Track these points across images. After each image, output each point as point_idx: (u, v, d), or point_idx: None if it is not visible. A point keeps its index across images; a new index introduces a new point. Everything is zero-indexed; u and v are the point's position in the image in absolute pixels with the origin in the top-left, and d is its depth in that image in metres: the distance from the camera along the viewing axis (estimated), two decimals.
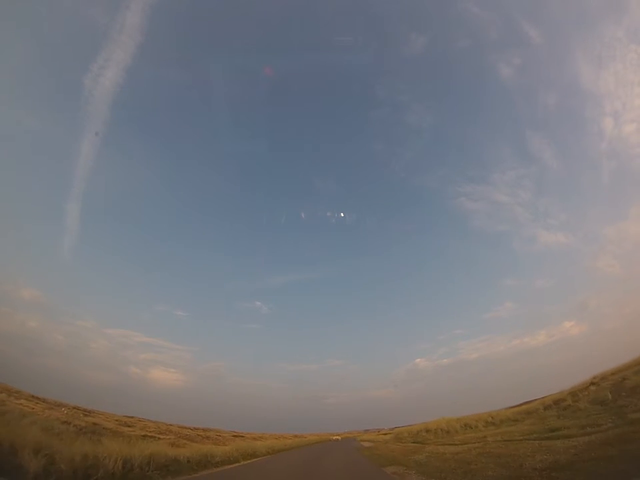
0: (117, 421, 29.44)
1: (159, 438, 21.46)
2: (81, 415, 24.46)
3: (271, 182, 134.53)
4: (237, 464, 17.62)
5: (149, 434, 22.87)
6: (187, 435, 33.08)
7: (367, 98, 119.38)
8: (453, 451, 15.80)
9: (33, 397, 27.16)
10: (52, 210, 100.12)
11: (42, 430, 9.78)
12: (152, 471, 9.88)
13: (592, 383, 19.05)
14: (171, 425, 45.17)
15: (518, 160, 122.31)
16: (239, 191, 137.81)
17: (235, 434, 50.46)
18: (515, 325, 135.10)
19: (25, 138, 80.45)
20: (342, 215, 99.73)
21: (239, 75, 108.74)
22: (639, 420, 10.84)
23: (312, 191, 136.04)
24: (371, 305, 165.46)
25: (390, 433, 68.40)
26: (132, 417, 39.21)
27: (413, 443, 26.88)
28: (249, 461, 19.62)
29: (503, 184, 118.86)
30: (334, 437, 63.01)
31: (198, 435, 35.22)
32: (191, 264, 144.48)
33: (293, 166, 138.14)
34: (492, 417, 25.75)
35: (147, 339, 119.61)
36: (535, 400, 30.42)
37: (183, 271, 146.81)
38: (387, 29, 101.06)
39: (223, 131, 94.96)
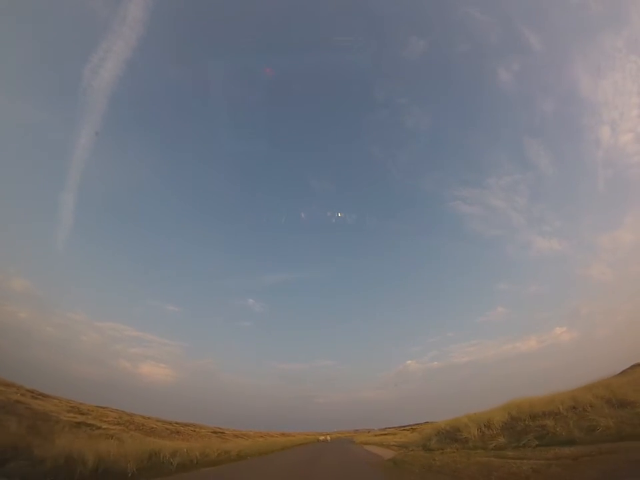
0: (71, 407, 26.06)
1: (101, 428, 17.95)
2: (23, 396, 21.04)
3: (269, 181, 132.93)
4: None
5: (93, 423, 19.37)
6: (153, 428, 29.55)
7: (365, 99, 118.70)
8: None
9: None
10: (46, 201, 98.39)
11: None
12: None
13: None
14: (149, 418, 41.87)
15: (514, 165, 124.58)
16: (237, 190, 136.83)
17: (215, 430, 46.83)
18: (506, 330, 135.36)
19: (19, 126, 78.34)
20: (338, 216, 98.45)
21: (238, 74, 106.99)
22: None
23: (307, 192, 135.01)
24: (364, 306, 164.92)
25: (391, 433, 61.75)
26: (104, 407, 35.94)
27: (519, 447, 11.75)
28: None
29: (499, 189, 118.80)
30: (321, 438, 49.64)
31: (167, 429, 31.64)
32: (183, 259, 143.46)
33: (290, 165, 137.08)
34: None
35: (137, 333, 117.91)
36: None
37: (176, 266, 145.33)
38: (387, 31, 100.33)
39: (221, 128, 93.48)
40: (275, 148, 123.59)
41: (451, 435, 17.66)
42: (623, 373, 23.12)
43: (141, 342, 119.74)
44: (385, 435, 61.67)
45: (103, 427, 18.64)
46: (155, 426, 30.69)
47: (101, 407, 35.73)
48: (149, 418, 42.10)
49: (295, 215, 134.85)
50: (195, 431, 38.88)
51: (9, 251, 79.07)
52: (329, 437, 51.71)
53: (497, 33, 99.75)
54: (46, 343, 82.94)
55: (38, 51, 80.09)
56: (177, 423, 45.86)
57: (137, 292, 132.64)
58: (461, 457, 12.84)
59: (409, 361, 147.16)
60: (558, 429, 11.39)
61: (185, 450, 14.11)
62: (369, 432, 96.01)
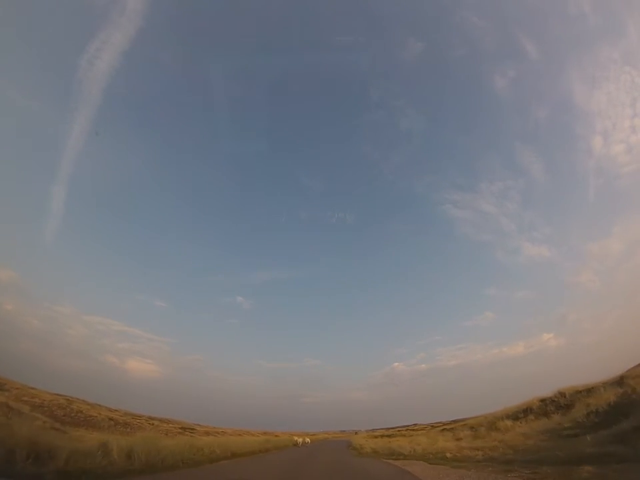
0: None
1: None
2: None
3: (262, 178, 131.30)
4: None
5: None
6: (91, 417, 26.15)
7: (361, 100, 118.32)
8: None
9: None
10: (36, 191, 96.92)
11: None
12: None
13: None
14: (116, 410, 38.80)
15: (506, 171, 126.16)
16: (231, 187, 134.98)
17: (185, 426, 43.31)
18: (494, 334, 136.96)
19: (10, 113, 76.53)
20: (330, 215, 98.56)
21: (238, 73, 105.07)
22: None
23: (300, 190, 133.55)
24: (352, 306, 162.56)
25: (396, 435, 49.51)
26: (63, 395, 32.89)
27: None
28: None
29: (490, 194, 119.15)
30: (298, 439, 38.04)
31: (110, 419, 28.18)
32: (172, 255, 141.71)
33: (285, 165, 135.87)
34: None
35: (125, 328, 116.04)
36: None
37: (164, 262, 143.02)
38: (385, 32, 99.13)
39: (218, 125, 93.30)
40: (271, 146, 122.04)
41: None
42: None
43: (128, 337, 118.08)
44: (388, 437, 47.63)
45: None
46: (95, 415, 27.29)
47: (61, 395, 32.80)
48: (116, 410, 39.09)
49: (286, 213, 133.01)
50: (153, 424, 35.42)
51: None
52: (308, 440, 40.25)
53: (494, 38, 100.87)
54: (32, 335, 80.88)
55: (31, 38, 78.74)
56: (150, 418, 42.75)
57: (126, 286, 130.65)
58: None
59: (396, 363, 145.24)
60: None
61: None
62: (356, 433, 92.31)
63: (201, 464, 14.38)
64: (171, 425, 41.32)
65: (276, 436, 58.71)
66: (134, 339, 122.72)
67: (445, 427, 41.76)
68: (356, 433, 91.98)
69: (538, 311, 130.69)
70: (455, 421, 49.55)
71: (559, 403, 19.05)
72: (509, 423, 20.73)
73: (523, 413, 21.06)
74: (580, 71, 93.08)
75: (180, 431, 37.12)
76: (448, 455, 17.08)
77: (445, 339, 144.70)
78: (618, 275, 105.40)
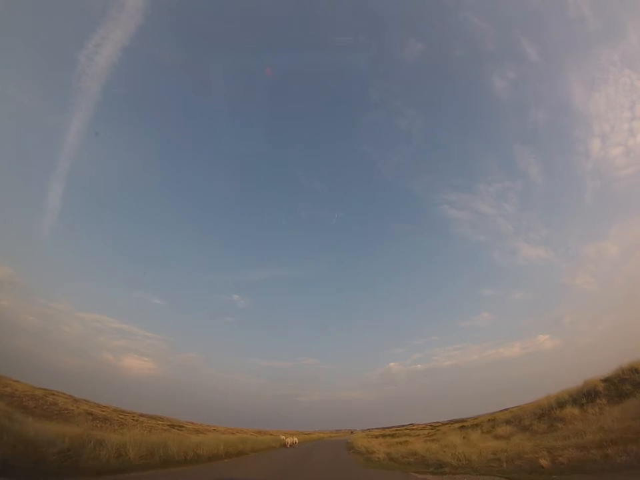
0: None
1: None
2: None
3: (261, 178, 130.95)
4: None
5: None
6: (66, 410, 24.67)
7: (361, 100, 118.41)
8: None
9: None
10: (33, 187, 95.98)
11: None
12: None
13: None
14: (105, 406, 37.41)
15: (504, 172, 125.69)
16: (230, 185, 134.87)
17: (174, 423, 41.76)
18: (490, 335, 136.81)
19: (7, 107, 75.24)
20: (328, 215, 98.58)
21: (238, 72, 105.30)
22: None
23: (301, 190, 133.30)
24: (349, 306, 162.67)
25: (398, 434, 44.84)
26: (45, 389, 31.47)
27: None
28: None
29: (488, 195, 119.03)
30: (287, 439, 34.50)
31: (90, 414, 26.68)
32: (170, 252, 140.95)
33: (284, 164, 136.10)
34: None
35: (121, 326, 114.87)
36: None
37: (162, 259, 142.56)
38: (386, 32, 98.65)
39: (218, 124, 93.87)
40: (271, 146, 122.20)
41: None
42: None
43: (124, 334, 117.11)
44: (391, 436, 42.50)
45: None
46: (72, 408, 25.79)
47: (44, 389, 31.43)
48: (105, 407, 37.64)
49: (285, 212, 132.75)
50: (138, 420, 33.88)
51: None
52: (295, 440, 35.94)
53: (494, 40, 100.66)
54: (27, 332, 79.66)
55: (30, 33, 77.66)
56: (139, 415, 41.27)
57: (123, 283, 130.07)
58: None
59: (392, 363, 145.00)
60: None
61: None
62: (352, 432, 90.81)
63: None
64: (159, 422, 39.81)
65: (269, 434, 56.96)
66: (130, 337, 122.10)
67: (462, 424, 36.49)
68: (352, 432, 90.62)
69: (534, 312, 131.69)
70: (460, 420, 47.41)
71: (635, 380, 16.10)
72: (574, 411, 16.40)
73: (585, 398, 17.11)
74: (579, 73, 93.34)
75: (167, 428, 35.58)
76: (542, 462, 10.71)
77: (442, 339, 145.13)
78: (614, 278, 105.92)
